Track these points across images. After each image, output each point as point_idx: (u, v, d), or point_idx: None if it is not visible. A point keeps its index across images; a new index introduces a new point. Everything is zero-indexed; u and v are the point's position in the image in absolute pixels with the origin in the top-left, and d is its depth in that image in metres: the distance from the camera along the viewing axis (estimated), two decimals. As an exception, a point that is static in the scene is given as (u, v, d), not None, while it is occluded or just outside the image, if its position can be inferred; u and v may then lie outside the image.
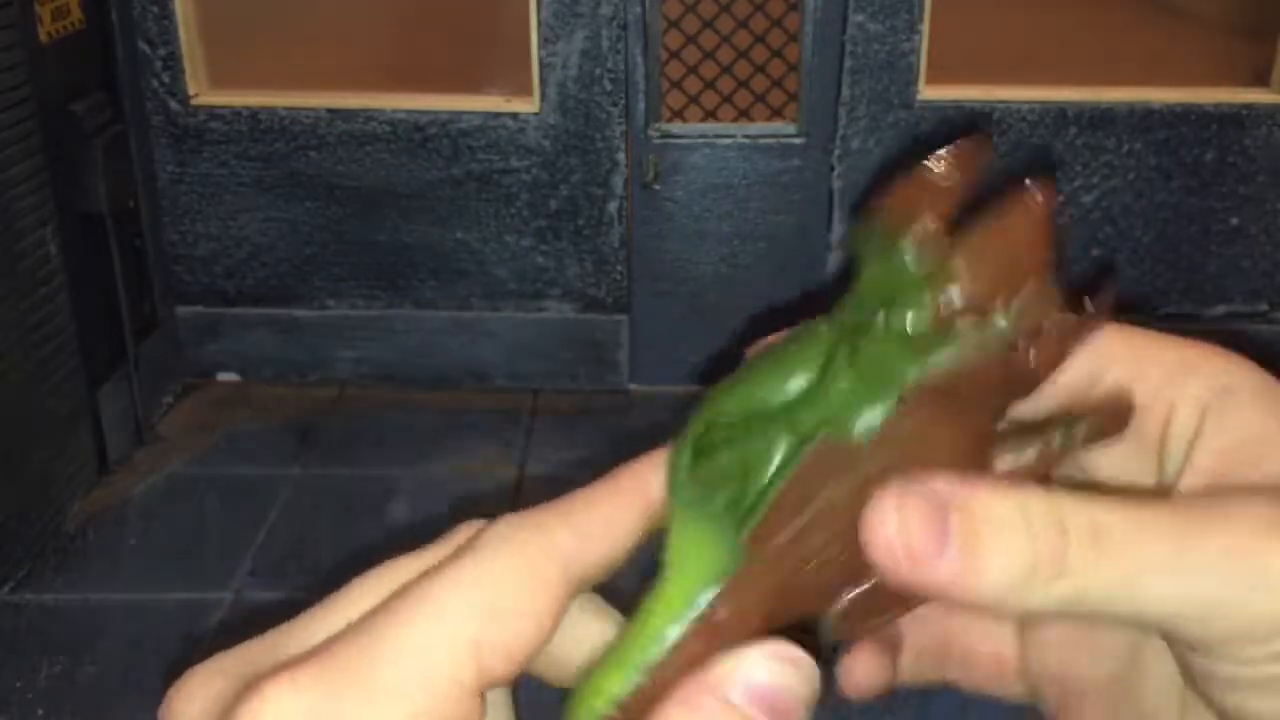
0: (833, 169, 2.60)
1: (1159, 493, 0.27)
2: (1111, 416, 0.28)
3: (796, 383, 0.27)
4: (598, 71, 2.53)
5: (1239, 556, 0.24)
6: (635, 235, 2.66)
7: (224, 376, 2.77)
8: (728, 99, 2.58)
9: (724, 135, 2.60)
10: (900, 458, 0.26)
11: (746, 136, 2.59)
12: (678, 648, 0.26)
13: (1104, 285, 0.29)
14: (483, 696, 0.23)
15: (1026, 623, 0.31)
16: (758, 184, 2.61)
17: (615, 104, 2.55)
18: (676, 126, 2.60)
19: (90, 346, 2.34)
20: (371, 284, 2.72)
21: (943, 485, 0.25)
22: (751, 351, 0.29)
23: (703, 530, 0.27)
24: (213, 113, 2.57)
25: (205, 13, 2.53)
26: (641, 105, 2.56)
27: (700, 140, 2.60)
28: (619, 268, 2.69)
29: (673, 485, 0.28)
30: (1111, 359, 0.28)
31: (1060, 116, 2.55)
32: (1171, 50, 2.68)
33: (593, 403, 2.73)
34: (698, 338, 2.73)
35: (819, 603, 0.28)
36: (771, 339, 0.29)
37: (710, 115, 2.59)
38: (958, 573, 0.24)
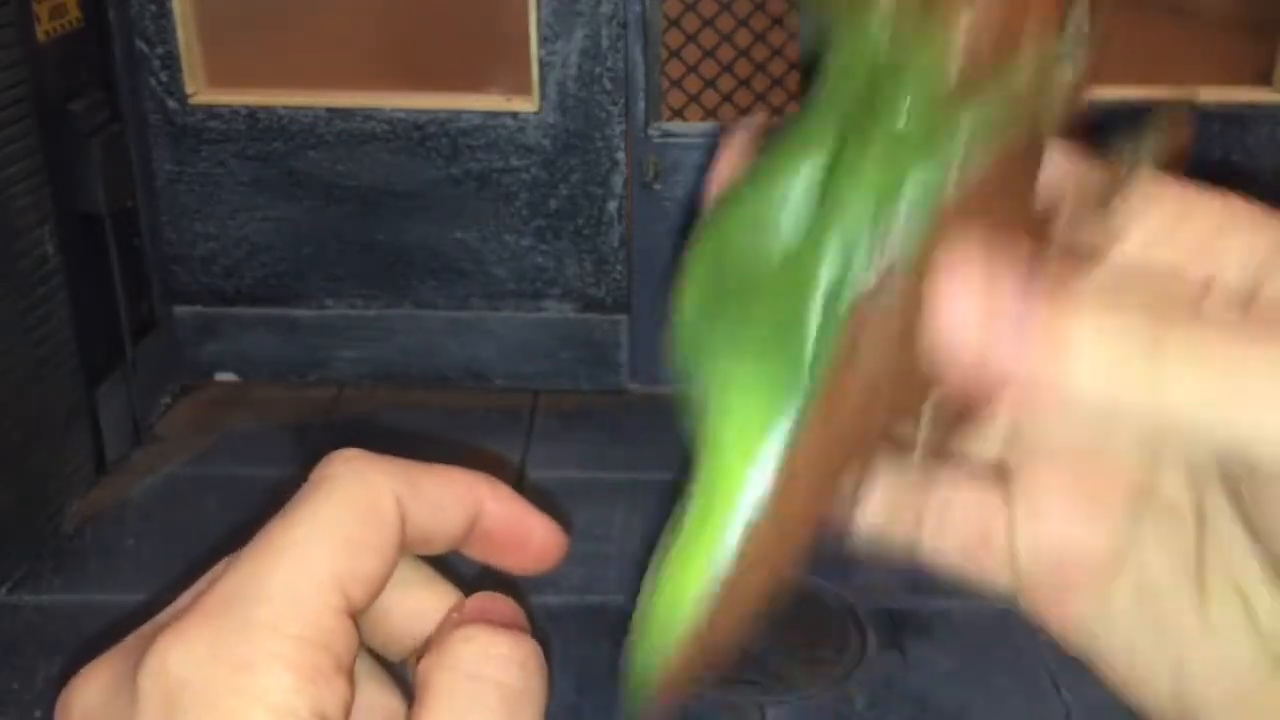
0: (833, 168, 2.59)
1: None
2: (1173, 117, 0.25)
3: (800, 198, 0.23)
4: (597, 70, 2.53)
5: None
6: (635, 235, 2.66)
7: (222, 376, 2.76)
8: (728, 98, 2.57)
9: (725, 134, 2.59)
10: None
11: (747, 136, 2.58)
12: (752, 535, 0.22)
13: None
14: (353, 620, 0.25)
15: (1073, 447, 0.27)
16: (758, 183, 2.60)
17: (615, 103, 2.55)
18: (677, 125, 2.59)
19: (88, 346, 2.33)
20: (370, 284, 2.72)
21: (1013, 258, 0.22)
22: (723, 168, 0.25)
23: (749, 376, 0.23)
24: (211, 111, 2.56)
25: (203, 11, 2.52)
26: (641, 104, 2.56)
27: (701, 139, 2.59)
28: (619, 267, 2.69)
29: (690, 332, 0.25)
30: (1142, 211, 0.27)
31: (1061, 115, 2.55)
32: (1173, 49, 2.68)
33: (593, 403, 2.73)
34: (698, 337, 2.72)
35: (887, 427, 0.24)
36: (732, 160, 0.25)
37: (711, 114, 2.58)
38: (1038, 358, 0.21)
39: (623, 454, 2.57)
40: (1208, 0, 2.74)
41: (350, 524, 0.26)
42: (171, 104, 2.57)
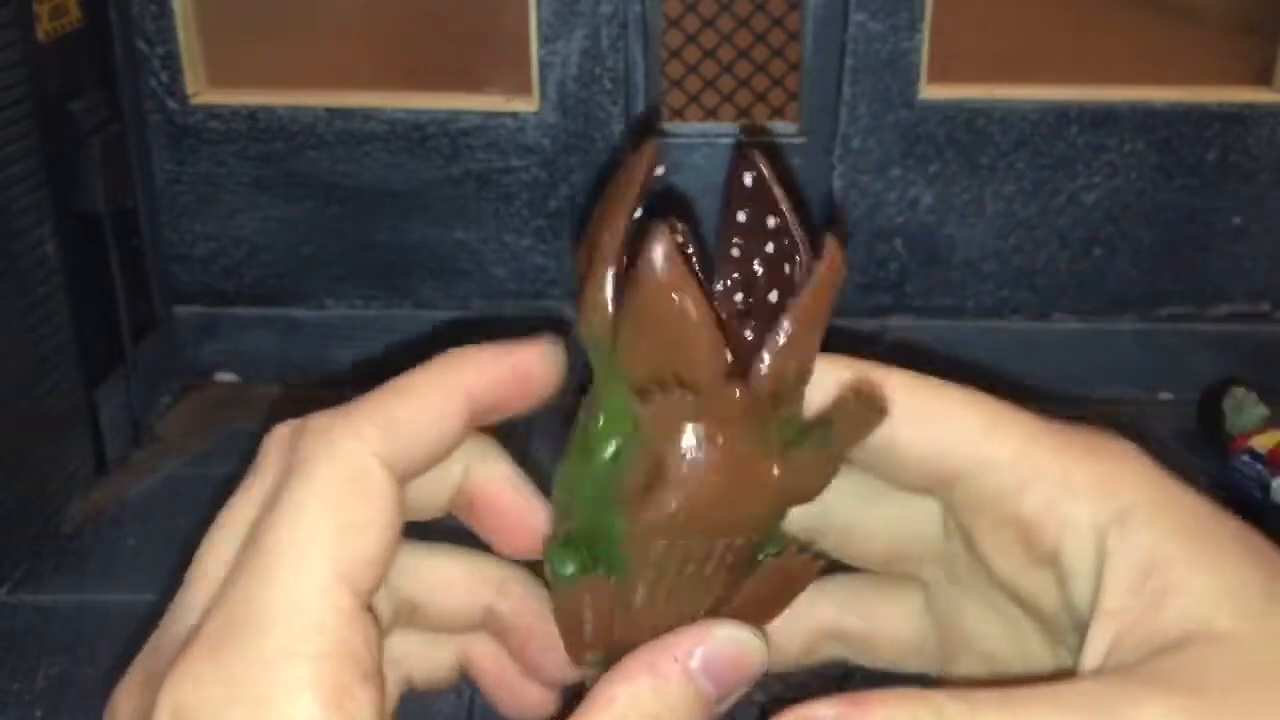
0: (834, 168, 2.59)
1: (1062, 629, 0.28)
2: (864, 413, 0.28)
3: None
4: (597, 70, 2.53)
5: None
6: (635, 235, 2.66)
7: (222, 377, 2.77)
8: (728, 98, 2.57)
9: (725, 134, 2.59)
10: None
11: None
12: None
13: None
14: (370, 606, 0.24)
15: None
16: (758, 183, 2.60)
17: (615, 103, 2.55)
18: (677, 125, 2.59)
19: (88, 346, 2.33)
20: (371, 284, 2.72)
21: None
22: None
23: None
24: (211, 112, 2.57)
25: (204, 11, 2.52)
26: (641, 104, 2.56)
27: (700, 140, 2.59)
28: (619, 267, 2.69)
29: None
30: (1006, 453, 0.28)
31: (1062, 115, 2.55)
32: (1173, 49, 2.68)
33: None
34: (698, 338, 2.72)
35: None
36: None
37: (711, 114, 2.58)
38: None
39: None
40: (1208, 0, 2.74)
41: (340, 508, 0.25)
42: (172, 104, 2.57)
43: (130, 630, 2.14)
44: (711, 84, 2.63)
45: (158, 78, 2.60)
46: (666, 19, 2.63)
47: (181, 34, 2.54)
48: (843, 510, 0.30)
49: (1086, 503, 0.27)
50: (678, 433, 0.24)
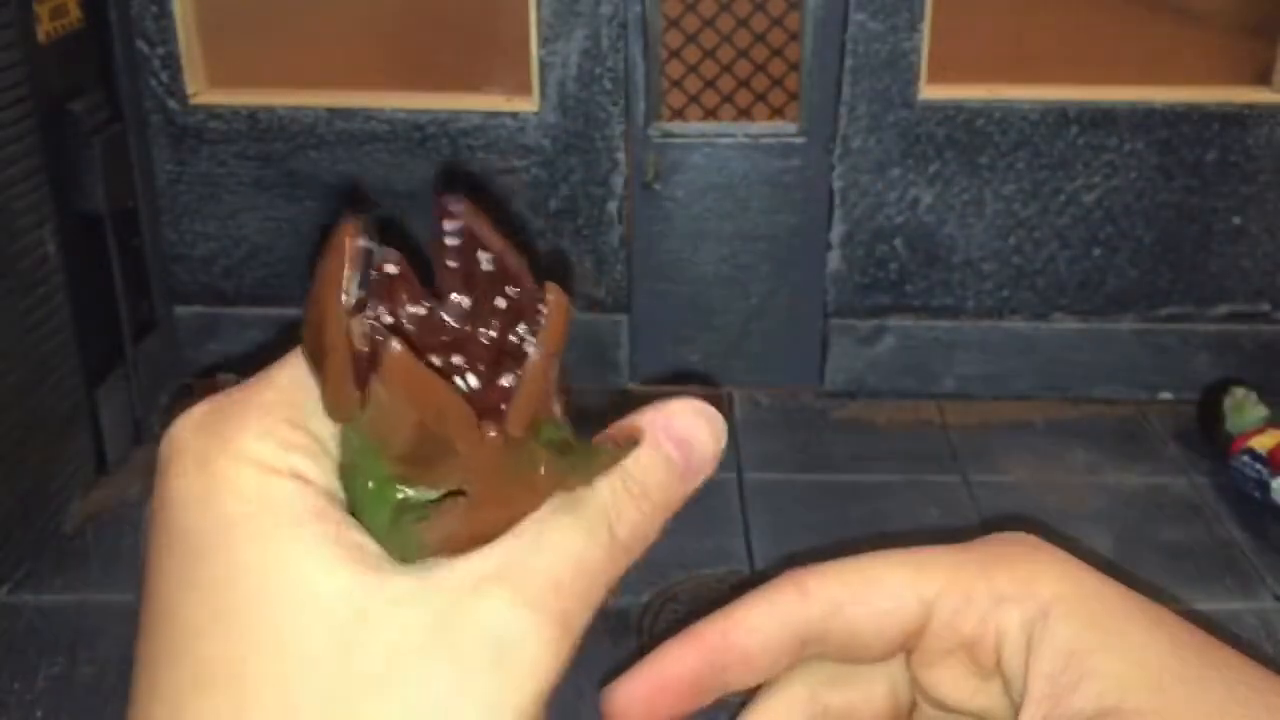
0: (833, 168, 2.59)
1: None
2: (619, 451, 0.31)
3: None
4: (597, 70, 2.53)
5: None
6: (635, 235, 2.66)
7: (222, 377, 2.76)
8: (728, 98, 2.57)
9: (724, 134, 2.59)
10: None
11: (747, 136, 2.58)
12: None
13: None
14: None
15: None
16: (758, 183, 2.60)
17: (615, 103, 2.55)
18: (677, 126, 2.59)
19: (89, 346, 2.33)
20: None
21: None
22: None
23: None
24: (211, 112, 2.57)
25: (204, 12, 2.52)
26: (641, 104, 2.56)
27: (700, 140, 2.59)
28: (619, 268, 2.69)
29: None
30: (936, 587, 0.30)
31: (1061, 115, 2.55)
32: (1173, 49, 2.68)
33: (593, 403, 2.73)
34: (698, 338, 2.72)
35: None
36: None
37: (711, 114, 2.58)
38: None
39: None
40: (1208, 0, 2.74)
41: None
42: (172, 104, 2.57)
43: (130, 630, 2.15)
44: (711, 84, 2.64)
45: (158, 78, 2.61)
46: (666, 19, 2.64)
47: (181, 34, 2.55)
48: (837, 695, 0.33)
49: (1015, 606, 0.29)
50: (455, 488, 0.27)
